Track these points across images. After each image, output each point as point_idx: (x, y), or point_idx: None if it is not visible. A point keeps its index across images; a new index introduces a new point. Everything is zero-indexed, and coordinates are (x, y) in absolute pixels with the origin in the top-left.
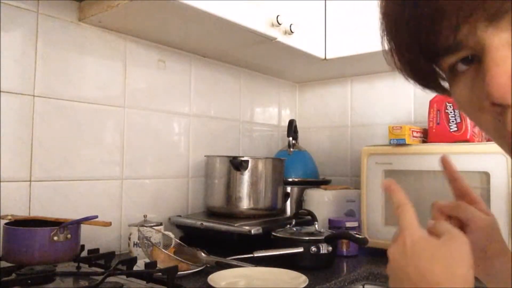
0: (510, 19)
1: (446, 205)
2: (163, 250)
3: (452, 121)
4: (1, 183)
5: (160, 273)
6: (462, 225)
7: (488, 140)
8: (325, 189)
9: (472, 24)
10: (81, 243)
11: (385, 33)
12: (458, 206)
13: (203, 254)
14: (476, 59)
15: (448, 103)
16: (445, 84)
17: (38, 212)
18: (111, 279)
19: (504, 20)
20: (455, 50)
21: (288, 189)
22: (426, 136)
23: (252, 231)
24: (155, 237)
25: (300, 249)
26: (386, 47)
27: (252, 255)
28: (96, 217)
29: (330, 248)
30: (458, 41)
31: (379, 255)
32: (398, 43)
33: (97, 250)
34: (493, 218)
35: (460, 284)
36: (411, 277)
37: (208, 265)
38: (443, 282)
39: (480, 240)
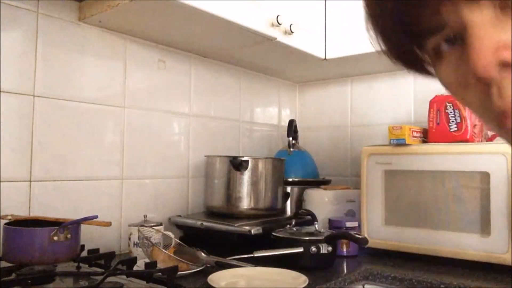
0: None
1: None
2: (163, 250)
3: (452, 121)
4: (1, 183)
5: (160, 273)
6: None
7: (488, 140)
8: (325, 189)
9: (453, 3)
10: (81, 243)
11: (370, 20)
12: None
13: (203, 254)
14: (459, 39)
15: (448, 103)
16: (430, 69)
17: (38, 212)
18: (111, 279)
19: None
20: (438, 30)
21: (288, 189)
22: (426, 136)
23: (252, 231)
24: (155, 237)
25: (300, 249)
26: (372, 34)
27: (252, 255)
28: (96, 217)
29: (330, 248)
30: (441, 21)
31: (379, 255)
32: (383, 28)
33: (97, 250)
34: None
35: None
36: None
37: (208, 265)
38: None
39: None
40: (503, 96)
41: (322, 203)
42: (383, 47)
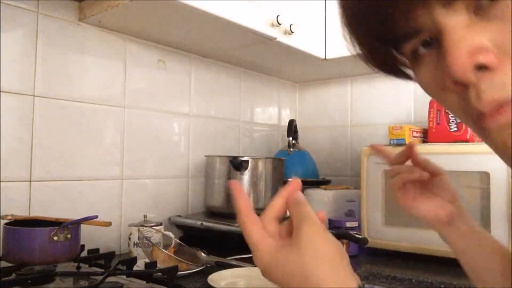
0: (464, 1)
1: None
2: (163, 250)
3: (452, 121)
4: (1, 183)
5: (160, 273)
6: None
7: None
8: (325, 189)
9: (428, 8)
10: (81, 243)
11: (346, 26)
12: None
13: (203, 254)
14: (436, 42)
15: None
16: (407, 71)
17: (38, 212)
18: (111, 279)
19: (458, 2)
20: (414, 35)
21: None
22: (426, 136)
23: None
24: (155, 237)
25: None
26: (349, 40)
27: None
28: (96, 217)
29: None
30: (416, 26)
31: (379, 255)
32: (359, 35)
33: (97, 250)
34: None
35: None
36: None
37: (208, 265)
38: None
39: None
40: (480, 97)
41: (322, 203)
42: (360, 52)
